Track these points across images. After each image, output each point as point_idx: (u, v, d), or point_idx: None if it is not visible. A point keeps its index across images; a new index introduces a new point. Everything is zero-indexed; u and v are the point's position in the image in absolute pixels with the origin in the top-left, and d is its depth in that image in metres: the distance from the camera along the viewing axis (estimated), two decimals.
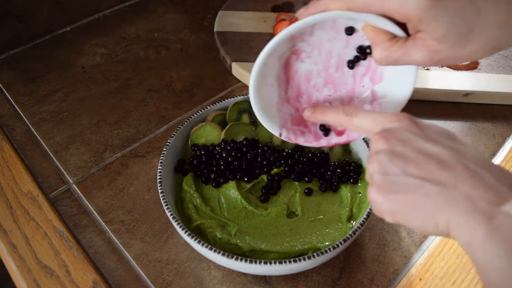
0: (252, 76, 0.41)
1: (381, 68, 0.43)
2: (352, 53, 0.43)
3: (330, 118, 0.41)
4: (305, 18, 0.37)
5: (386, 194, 0.32)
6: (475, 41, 0.34)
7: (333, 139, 0.46)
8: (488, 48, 0.35)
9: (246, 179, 0.50)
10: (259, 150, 0.51)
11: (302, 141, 0.46)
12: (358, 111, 0.38)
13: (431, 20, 0.33)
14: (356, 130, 0.39)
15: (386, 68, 0.43)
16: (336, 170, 0.51)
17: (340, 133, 0.46)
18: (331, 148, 0.53)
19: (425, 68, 0.70)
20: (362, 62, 0.43)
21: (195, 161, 0.51)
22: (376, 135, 0.35)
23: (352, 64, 0.43)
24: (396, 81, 0.43)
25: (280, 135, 0.45)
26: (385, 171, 0.32)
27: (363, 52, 0.42)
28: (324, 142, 0.46)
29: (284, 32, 0.38)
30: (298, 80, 0.45)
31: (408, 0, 0.32)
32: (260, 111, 0.43)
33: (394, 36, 0.37)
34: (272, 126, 0.45)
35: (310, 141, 0.46)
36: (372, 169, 0.33)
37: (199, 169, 0.51)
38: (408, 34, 0.36)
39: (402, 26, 0.36)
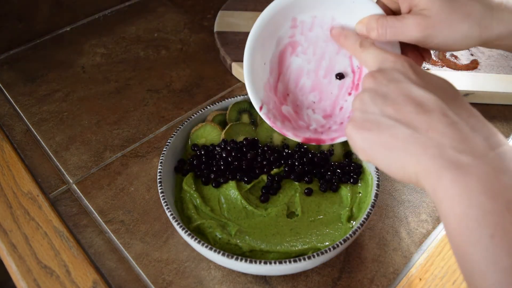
0: (252, 33, 0.42)
1: None
2: (343, 61, 0.44)
3: (349, 44, 0.41)
4: None
5: (360, 131, 0.32)
6: (459, 9, 0.36)
7: (310, 136, 0.47)
8: (472, 20, 0.37)
9: (246, 179, 0.50)
10: (259, 150, 0.51)
11: (279, 127, 0.46)
12: (370, 46, 0.38)
13: None
14: (363, 64, 0.39)
15: None
16: (336, 170, 0.51)
17: (319, 133, 0.47)
18: (332, 148, 0.53)
19: (426, 68, 0.70)
20: (348, 77, 0.46)
21: (195, 161, 0.51)
22: (368, 73, 0.35)
23: (340, 77, 0.45)
24: None
25: (260, 109, 0.46)
26: (364, 109, 0.33)
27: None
28: (301, 138, 0.47)
29: None
30: (288, 77, 0.45)
31: None
32: (249, 75, 0.44)
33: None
34: (255, 96, 0.45)
35: (287, 129, 0.46)
36: (354, 105, 0.34)
37: (199, 169, 0.51)
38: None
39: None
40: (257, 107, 0.45)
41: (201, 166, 0.51)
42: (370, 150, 0.32)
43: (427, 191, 0.30)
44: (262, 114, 0.45)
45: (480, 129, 0.30)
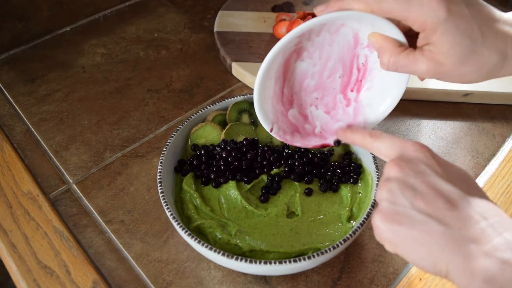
0: (262, 68, 0.41)
1: (369, 82, 0.45)
2: (348, 61, 0.45)
3: (357, 138, 0.42)
4: (327, 13, 0.38)
5: (390, 224, 0.32)
6: (474, 61, 0.36)
7: (316, 142, 0.47)
8: (483, 70, 0.37)
9: (246, 179, 0.50)
10: (259, 151, 0.51)
11: (289, 140, 0.47)
12: (382, 135, 0.39)
13: (443, 33, 0.35)
14: (376, 153, 0.39)
15: (376, 80, 0.44)
16: (336, 170, 0.51)
17: (324, 138, 0.47)
18: (332, 149, 0.53)
19: None
20: (353, 75, 0.45)
21: (194, 161, 0.51)
22: (392, 162, 0.35)
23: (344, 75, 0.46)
24: (383, 94, 0.45)
25: (271, 130, 0.46)
26: (393, 200, 0.33)
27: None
28: (311, 143, 0.47)
29: (306, 25, 0.39)
30: (293, 81, 0.45)
31: (429, 10, 0.35)
32: (259, 102, 0.44)
33: (401, 45, 0.38)
34: (265, 120, 0.45)
35: (296, 141, 0.47)
36: (380, 195, 0.34)
37: (199, 169, 0.51)
38: (414, 47, 0.38)
39: (411, 40, 0.38)
40: (268, 129, 0.46)
41: (201, 166, 0.51)
42: (400, 243, 0.32)
43: (457, 286, 0.30)
44: (273, 134, 0.46)
45: (500, 227, 0.30)
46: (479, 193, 0.33)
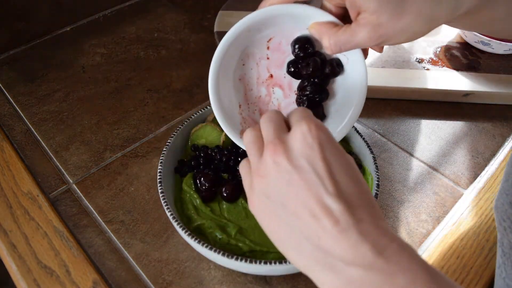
0: (212, 69, 0.42)
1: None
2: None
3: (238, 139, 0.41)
4: (258, 10, 0.39)
5: (260, 212, 0.33)
6: (409, 10, 0.35)
7: None
8: (422, 18, 0.35)
9: None
10: None
11: None
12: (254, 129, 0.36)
13: None
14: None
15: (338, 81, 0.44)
16: None
17: None
18: None
19: (426, 69, 0.70)
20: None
21: (192, 162, 0.51)
22: (271, 147, 0.32)
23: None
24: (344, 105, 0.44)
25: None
26: (267, 193, 0.32)
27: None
28: None
29: (239, 25, 0.40)
30: (249, 77, 0.45)
31: None
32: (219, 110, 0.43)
33: (336, 25, 0.39)
34: (233, 133, 0.44)
35: None
36: (256, 182, 0.32)
37: (198, 170, 0.51)
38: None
39: (344, 20, 0.39)
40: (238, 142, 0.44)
41: (201, 167, 0.51)
42: (270, 231, 0.33)
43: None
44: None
45: (370, 231, 0.29)
46: (358, 186, 0.31)
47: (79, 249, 0.49)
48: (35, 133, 0.63)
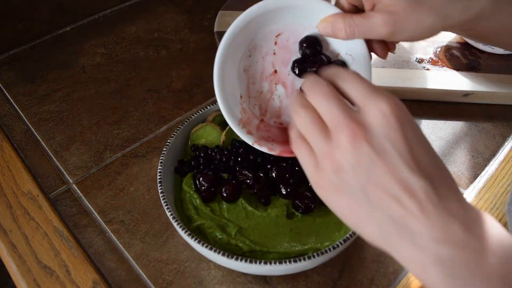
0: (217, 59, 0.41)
1: None
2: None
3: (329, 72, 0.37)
4: (261, 3, 0.39)
5: (334, 195, 0.32)
6: (423, 3, 0.36)
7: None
8: (435, 12, 0.36)
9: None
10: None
11: (266, 149, 0.43)
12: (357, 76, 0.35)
13: None
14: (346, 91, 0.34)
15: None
16: None
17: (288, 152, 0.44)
18: None
19: (426, 69, 0.70)
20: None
21: (192, 162, 0.51)
22: (348, 126, 0.30)
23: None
24: None
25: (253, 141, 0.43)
26: (342, 177, 0.30)
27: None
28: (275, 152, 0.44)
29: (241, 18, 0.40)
30: (255, 69, 0.44)
31: None
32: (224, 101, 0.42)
33: (350, 14, 0.39)
34: (232, 118, 0.43)
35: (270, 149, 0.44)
36: (325, 164, 0.31)
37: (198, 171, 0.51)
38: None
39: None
40: (243, 136, 0.43)
41: (201, 167, 0.51)
42: (342, 212, 0.32)
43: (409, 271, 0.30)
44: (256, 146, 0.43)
45: (455, 207, 0.29)
46: (440, 168, 0.31)
47: (79, 249, 0.49)
48: (35, 133, 0.63)
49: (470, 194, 0.56)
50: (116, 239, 0.51)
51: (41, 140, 0.62)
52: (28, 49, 0.78)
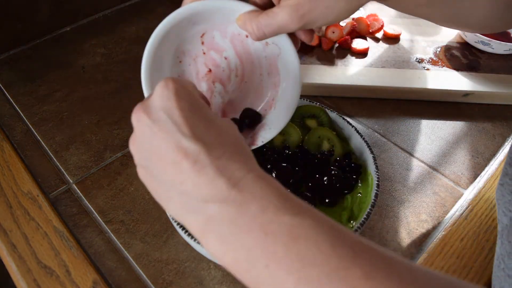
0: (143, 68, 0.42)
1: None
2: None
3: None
4: (182, 7, 0.39)
5: (139, 173, 0.33)
6: None
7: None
8: None
9: None
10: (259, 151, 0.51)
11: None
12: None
13: None
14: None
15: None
16: (337, 176, 0.50)
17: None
18: (332, 149, 0.53)
19: (425, 69, 0.70)
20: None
21: None
22: (136, 107, 0.32)
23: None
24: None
25: None
26: (134, 149, 0.32)
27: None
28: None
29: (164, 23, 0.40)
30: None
31: None
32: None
33: (257, 11, 0.38)
34: None
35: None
36: (132, 149, 0.33)
37: None
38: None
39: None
40: None
41: None
42: (149, 189, 0.34)
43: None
44: None
45: (227, 166, 0.29)
46: (214, 138, 0.31)
47: (79, 249, 0.49)
48: (35, 133, 0.63)
49: (470, 194, 0.56)
50: (116, 239, 0.51)
51: (41, 140, 0.62)
52: (28, 49, 0.77)
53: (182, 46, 0.43)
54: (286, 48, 0.41)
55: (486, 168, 0.59)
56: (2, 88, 0.70)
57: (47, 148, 0.61)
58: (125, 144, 0.61)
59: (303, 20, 0.35)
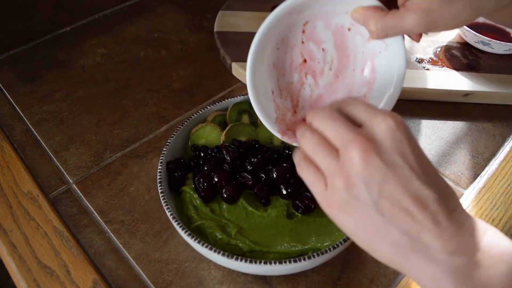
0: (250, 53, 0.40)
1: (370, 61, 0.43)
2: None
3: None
4: None
5: (343, 213, 0.31)
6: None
7: None
8: (470, 6, 0.35)
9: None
10: (258, 151, 0.51)
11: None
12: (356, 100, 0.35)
13: None
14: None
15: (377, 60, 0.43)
16: None
17: None
18: None
19: (425, 68, 0.70)
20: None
21: (192, 163, 0.51)
22: (357, 141, 0.30)
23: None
24: (386, 71, 0.43)
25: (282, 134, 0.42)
26: (354, 194, 0.30)
27: None
28: None
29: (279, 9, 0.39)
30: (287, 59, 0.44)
31: None
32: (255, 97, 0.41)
33: (383, 10, 0.38)
34: (269, 120, 0.42)
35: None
36: (337, 183, 0.31)
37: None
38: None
39: (387, 5, 0.38)
40: (274, 132, 0.42)
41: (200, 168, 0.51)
42: (352, 231, 0.32)
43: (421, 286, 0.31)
44: (280, 137, 0.42)
45: (463, 219, 0.30)
46: (443, 184, 0.31)
47: (79, 249, 0.49)
48: (35, 133, 0.63)
49: (470, 194, 0.56)
50: (116, 239, 0.51)
51: (41, 140, 0.62)
52: (28, 49, 0.78)
53: (283, 32, 0.42)
54: (395, 47, 0.40)
55: (486, 168, 0.59)
56: (2, 88, 0.70)
57: (47, 148, 0.61)
58: (125, 144, 0.61)
59: (429, 26, 0.35)
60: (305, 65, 0.44)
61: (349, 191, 0.30)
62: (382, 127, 0.30)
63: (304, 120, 0.44)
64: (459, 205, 0.31)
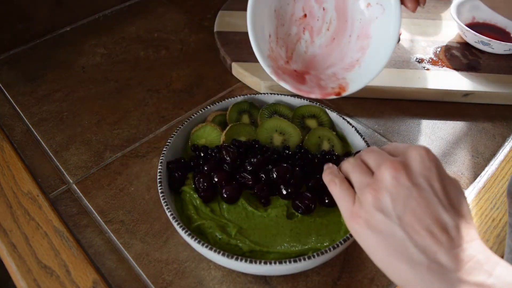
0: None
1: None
2: None
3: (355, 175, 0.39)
4: None
5: (370, 231, 0.33)
6: None
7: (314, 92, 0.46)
8: None
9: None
10: (258, 151, 0.51)
11: (289, 86, 0.45)
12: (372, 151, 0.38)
13: None
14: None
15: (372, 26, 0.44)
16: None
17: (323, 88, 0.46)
18: (332, 149, 0.53)
19: (425, 68, 0.70)
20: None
21: (192, 163, 0.51)
22: (391, 165, 0.34)
23: None
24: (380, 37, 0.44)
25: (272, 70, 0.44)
26: (381, 209, 0.33)
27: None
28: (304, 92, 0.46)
29: None
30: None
31: None
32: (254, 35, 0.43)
33: None
34: (261, 53, 0.43)
35: (294, 86, 0.46)
36: (366, 198, 0.34)
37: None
38: None
39: None
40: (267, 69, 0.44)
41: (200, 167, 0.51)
42: (371, 249, 0.34)
43: None
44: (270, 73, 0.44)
45: (481, 249, 0.31)
46: (463, 209, 0.33)
47: (79, 249, 0.49)
48: (35, 133, 0.63)
49: (470, 194, 0.56)
50: (116, 239, 0.51)
51: (41, 140, 0.62)
52: (28, 49, 0.78)
53: None
54: (392, 10, 0.41)
55: (486, 168, 0.59)
56: (2, 88, 0.70)
57: (47, 148, 0.61)
58: (125, 144, 0.61)
59: None
60: (305, 20, 0.45)
61: (376, 204, 0.33)
62: (414, 155, 0.34)
63: (295, 71, 0.46)
64: (476, 238, 0.32)
